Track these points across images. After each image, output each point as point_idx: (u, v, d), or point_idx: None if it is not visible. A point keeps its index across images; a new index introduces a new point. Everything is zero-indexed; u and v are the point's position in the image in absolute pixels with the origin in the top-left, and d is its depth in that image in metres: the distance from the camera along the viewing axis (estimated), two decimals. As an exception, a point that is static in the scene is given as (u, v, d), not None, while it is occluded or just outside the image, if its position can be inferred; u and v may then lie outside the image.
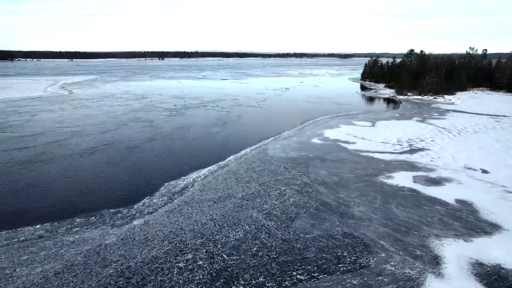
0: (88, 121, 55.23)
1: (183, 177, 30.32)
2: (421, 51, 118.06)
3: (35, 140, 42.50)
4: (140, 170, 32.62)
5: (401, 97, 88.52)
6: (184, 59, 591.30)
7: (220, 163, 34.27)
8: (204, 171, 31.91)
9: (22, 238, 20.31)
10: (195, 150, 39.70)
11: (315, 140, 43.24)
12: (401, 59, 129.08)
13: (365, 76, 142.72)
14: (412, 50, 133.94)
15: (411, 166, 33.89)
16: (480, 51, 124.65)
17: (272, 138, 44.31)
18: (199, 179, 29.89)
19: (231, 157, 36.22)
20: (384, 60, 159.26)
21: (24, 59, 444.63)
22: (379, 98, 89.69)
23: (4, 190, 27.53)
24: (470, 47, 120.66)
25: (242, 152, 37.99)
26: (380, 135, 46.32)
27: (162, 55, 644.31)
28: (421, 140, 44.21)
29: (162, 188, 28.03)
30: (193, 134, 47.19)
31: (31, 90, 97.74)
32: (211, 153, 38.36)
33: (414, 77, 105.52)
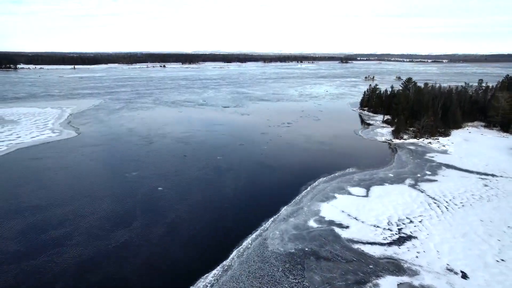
0: (105, 178, 61.55)
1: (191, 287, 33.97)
2: (418, 86, 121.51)
3: (64, 220, 46.28)
4: (152, 271, 36.19)
5: (397, 141, 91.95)
6: (186, 65, 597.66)
7: (224, 263, 37.82)
8: (210, 277, 35.47)
9: None
10: (201, 237, 43.39)
11: (312, 223, 46.68)
12: (399, 89, 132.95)
13: (363, 104, 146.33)
14: (410, 79, 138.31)
15: (397, 268, 37.33)
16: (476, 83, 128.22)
17: (271, 219, 47.80)
18: (205, 290, 33.48)
19: (234, 253, 39.78)
20: (382, 84, 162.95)
21: (27, 67, 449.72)
22: (376, 143, 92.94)
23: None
24: (466, 83, 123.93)
25: (244, 244, 41.50)
26: (373, 213, 49.80)
27: (163, 59, 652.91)
28: (410, 221, 47.69)
29: (173, 306, 31.60)
30: (200, 210, 50.88)
31: (40, 129, 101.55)
32: (216, 241, 42.17)
33: (411, 113, 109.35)
